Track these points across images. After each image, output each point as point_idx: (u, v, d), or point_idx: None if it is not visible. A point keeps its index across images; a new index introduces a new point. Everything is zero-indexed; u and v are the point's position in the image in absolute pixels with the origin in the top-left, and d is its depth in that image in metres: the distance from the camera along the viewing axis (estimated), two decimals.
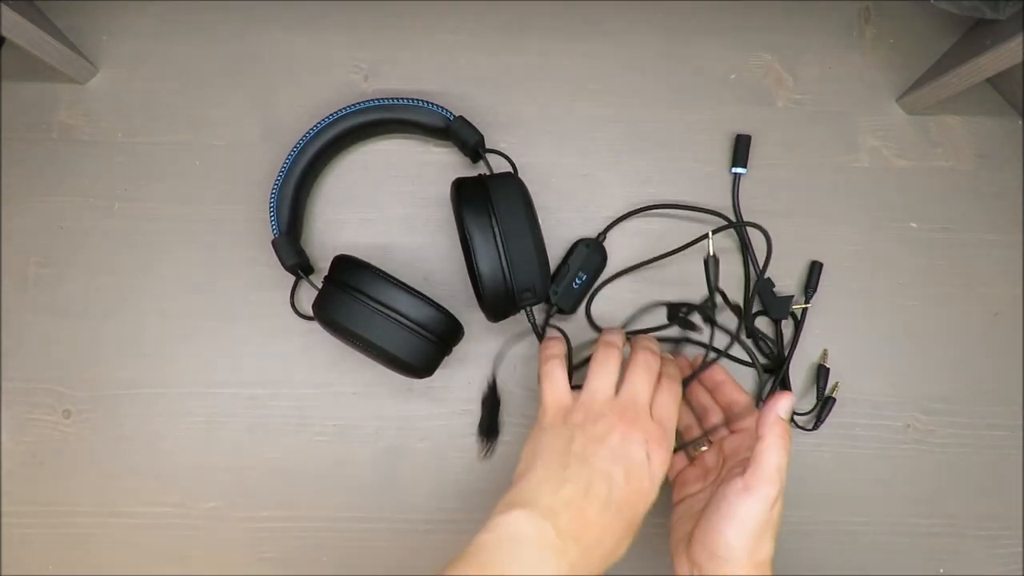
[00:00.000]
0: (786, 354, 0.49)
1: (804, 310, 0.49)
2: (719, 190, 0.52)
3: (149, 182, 0.50)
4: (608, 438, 0.35)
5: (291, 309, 0.48)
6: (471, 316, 0.45)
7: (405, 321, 0.40)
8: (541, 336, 0.44)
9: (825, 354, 0.49)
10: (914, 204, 0.53)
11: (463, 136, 0.47)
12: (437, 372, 0.43)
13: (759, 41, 0.55)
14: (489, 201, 0.41)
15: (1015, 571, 0.48)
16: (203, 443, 0.47)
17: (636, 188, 0.51)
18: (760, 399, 0.48)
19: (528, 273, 0.40)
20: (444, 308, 0.42)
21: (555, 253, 0.50)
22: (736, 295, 0.50)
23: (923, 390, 0.50)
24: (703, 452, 0.42)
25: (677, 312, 0.42)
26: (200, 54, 0.53)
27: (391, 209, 0.51)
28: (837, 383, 0.49)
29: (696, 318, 0.42)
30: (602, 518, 0.33)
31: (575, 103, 0.53)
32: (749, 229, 0.50)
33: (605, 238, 0.50)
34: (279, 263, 0.46)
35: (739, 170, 0.51)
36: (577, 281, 0.48)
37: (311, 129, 0.47)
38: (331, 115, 0.47)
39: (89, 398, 0.47)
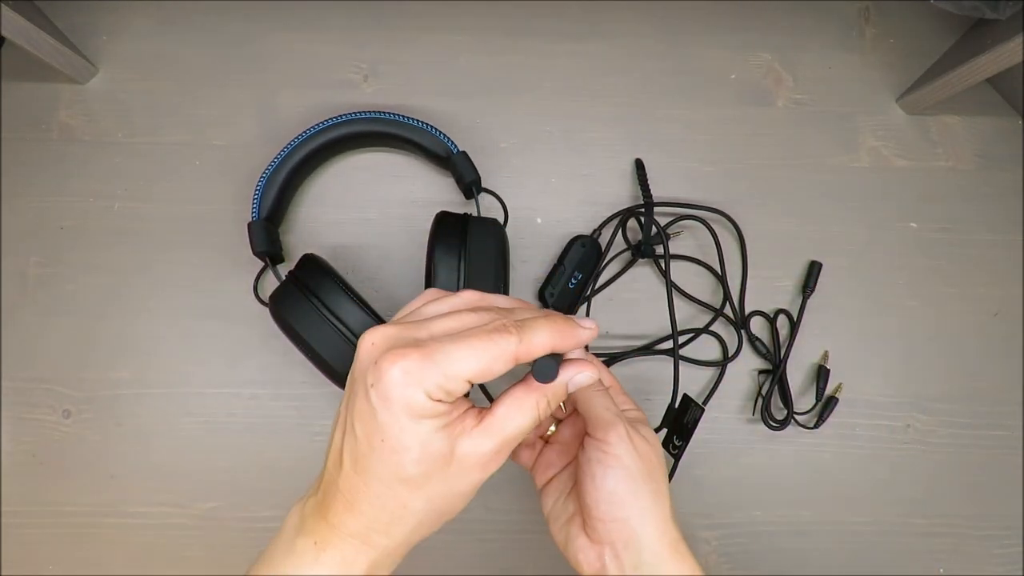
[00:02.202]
0: (782, 354, 0.49)
1: (801, 309, 0.49)
2: (719, 190, 0.52)
3: (149, 182, 0.50)
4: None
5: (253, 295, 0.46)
6: None
7: (346, 332, 0.40)
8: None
9: (826, 355, 0.49)
10: (914, 204, 0.53)
11: (461, 171, 0.47)
12: None
13: (759, 41, 0.55)
14: (464, 244, 0.41)
15: (1015, 571, 0.48)
16: (203, 443, 0.47)
17: (636, 188, 0.51)
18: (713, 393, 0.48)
19: None
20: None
21: (555, 253, 0.50)
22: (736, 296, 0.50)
23: (923, 390, 0.50)
24: (553, 433, 0.36)
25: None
26: (200, 54, 0.53)
27: (393, 209, 0.51)
28: (841, 384, 0.49)
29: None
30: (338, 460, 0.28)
31: (575, 103, 0.53)
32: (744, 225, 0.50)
33: (600, 234, 0.50)
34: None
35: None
36: (572, 281, 0.48)
37: (317, 124, 0.46)
38: (340, 116, 0.47)
39: (88, 398, 0.47)
